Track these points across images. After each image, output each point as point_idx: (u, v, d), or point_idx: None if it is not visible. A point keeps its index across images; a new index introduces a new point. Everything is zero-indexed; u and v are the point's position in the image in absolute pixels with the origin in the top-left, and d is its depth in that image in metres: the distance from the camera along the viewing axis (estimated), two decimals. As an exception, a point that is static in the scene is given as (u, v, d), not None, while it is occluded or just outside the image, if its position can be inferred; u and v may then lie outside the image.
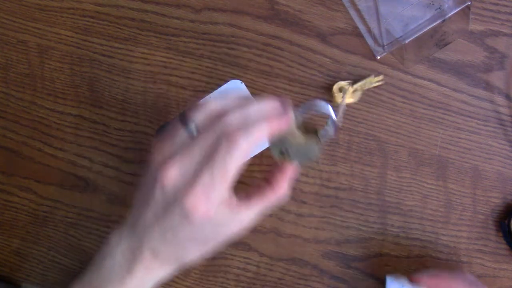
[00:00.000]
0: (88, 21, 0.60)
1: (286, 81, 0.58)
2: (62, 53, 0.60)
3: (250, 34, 0.59)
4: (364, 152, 0.57)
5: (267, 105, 0.39)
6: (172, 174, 0.37)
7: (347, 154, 0.57)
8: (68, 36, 0.60)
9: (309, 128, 0.42)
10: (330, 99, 0.57)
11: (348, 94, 0.55)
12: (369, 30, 0.57)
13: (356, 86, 0.56)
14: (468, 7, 0.51)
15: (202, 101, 0.40)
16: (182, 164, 0.37)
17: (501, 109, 0.57)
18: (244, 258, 0.57)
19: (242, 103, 0.39)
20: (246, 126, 0.37)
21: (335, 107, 0.43)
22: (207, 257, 0.41)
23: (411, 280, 0.50)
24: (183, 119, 0.39)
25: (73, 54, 0.60)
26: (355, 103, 0.57)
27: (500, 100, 0.57)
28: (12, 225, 0.59)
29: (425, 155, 0.57)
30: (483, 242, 0.56)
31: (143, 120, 0.59)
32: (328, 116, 0.41)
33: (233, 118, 0.37)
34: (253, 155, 0.40)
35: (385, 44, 0.56)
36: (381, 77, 0.57)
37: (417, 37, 0.52)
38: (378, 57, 0.57)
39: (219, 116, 0.38)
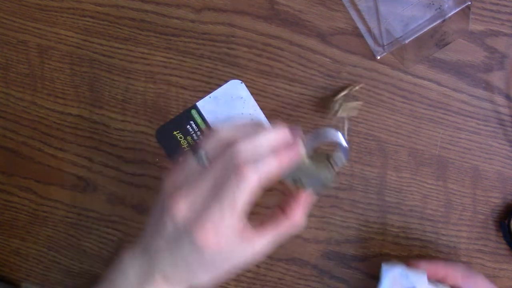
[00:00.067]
0: (88, 21, 0.60)
1: (286, 81, 0.58)
2: (62, 53, 0.60)
3: (250, 34, 0.59)
4: (364, 152, 0.57)
5: (277, 135, 0.39)
6: (182, 207, 0.37)
7: (347, 154, 0.57)
8: (68, 36, 0.60)
9: (320, 154, 0.41)
10: (327, 109, 0.57)
11: (346, 111, 0.55)
12: (369, 30, 0.57)
13: (339, 97, 0.55)
14: (468, 7, 0.51)
15: (213, 128, 0.40)
16: (192, 197, 0.37)
17: (501, 109, 0.57)
18: (244, 258, 0.57)
19: (252, 131, 0.39)
20: (255, 158, 0.37)
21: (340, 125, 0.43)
22: (220, 282, 0.41)
23: (409, 265, 0.50)
24: (194, 148, 0.39)
25: (73, 54, 0.60)
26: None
27: (500, 100, 0.57)
28: (12, 225, 0.59)
29: (425, 155, 0.57)
30: (483, 242, 0.56)
31: (143, 120, 0.59)
32: (339, 144, 0.40)
33: (243, 149, 0.37)
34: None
35: (385, 44, 0.56)
36: (362, 85, 0.56)
37: (417, 37, 0.52)
38: (378, 57, 0.57)
39: (229, 145, 0.38)
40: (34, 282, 0.59)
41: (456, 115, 0.57)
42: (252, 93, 0.58)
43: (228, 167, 0.37)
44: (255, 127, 0.40)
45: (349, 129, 0.57)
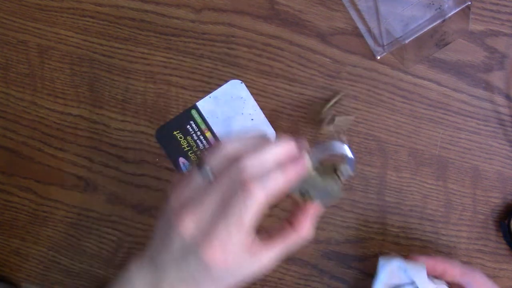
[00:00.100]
0: (88, 21, 0.60)
1: (286, 81, 0.58)
2: (62, 53, 0.60)
3: (250, 34, 0.58)
4: (364, 152, 0.57)
5: (283, 149, 0.39)
6: (190, 225, 0.37)
7: (347, 154, 0.57)
8: (68, 36, 0.60)
9: (327, 165, 0.41)
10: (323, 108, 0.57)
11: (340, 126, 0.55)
12: (369, 30, 0.57)
13: (326, 109, 0.56)
14: (468, 7, 0.51)
15: (218, 142, 0.40)
16: (198, 214, 0.37)
17: (501, 109, 0.57)
18: (244, 258, 0.57)
19: (258, 144, 0.39)
20: (262, 174, 0.37)
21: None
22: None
23: (407, 259, 0.50)
24: (199, 163, 0.39)
25: (73, 54, 0.60)
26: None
27: (500, 100, 0.57)
28: (12, 225, 0.59)
29: (425, 155, 0.57)
30: (483, 242, 0.56)
31: (143, 120, 0.59)
32: (345, 156, 0.40)
33: (249, 164, 0.37)
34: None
35: (385, 44, 0.56)
36: (340, 96, 0.56)
37: (417, 37, 0.52)
38: (378, 57, 0.57)
39: (235, 160, 0.38)
40: (34, 282, 0.59)
41: (456, 115, 0.57)
42: (252, 93, 0.58)
43: (234, 183, 0.37)
44: (260, 141, 0.39)
45: (348, 129, 0.57)
